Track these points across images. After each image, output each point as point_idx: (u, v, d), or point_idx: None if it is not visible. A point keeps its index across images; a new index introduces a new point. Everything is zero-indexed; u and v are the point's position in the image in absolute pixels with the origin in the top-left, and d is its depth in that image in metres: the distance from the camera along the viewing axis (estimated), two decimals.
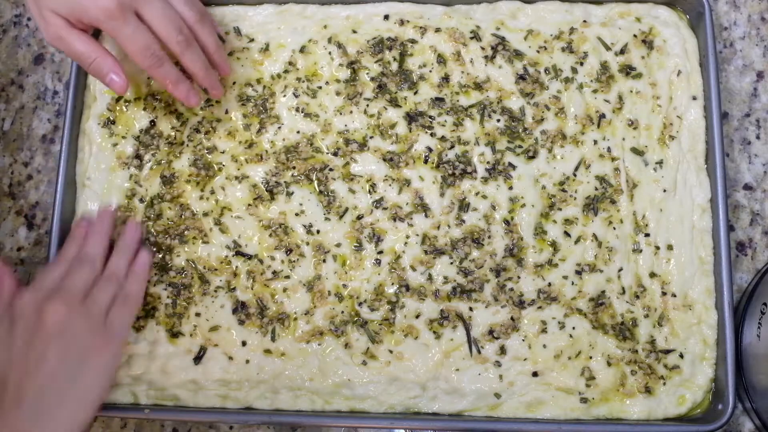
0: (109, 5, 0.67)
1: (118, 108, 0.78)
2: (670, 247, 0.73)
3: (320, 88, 0.78)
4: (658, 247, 0.73)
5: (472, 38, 0.78)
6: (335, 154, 0.76)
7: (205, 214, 0.75)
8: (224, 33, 0.79)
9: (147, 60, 0.69)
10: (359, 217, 0.74)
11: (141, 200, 0.76)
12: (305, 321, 0.72)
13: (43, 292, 0.67)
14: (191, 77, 0.74)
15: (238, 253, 0.74)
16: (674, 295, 0.72)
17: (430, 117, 0.76)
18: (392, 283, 0.73)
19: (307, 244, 0.74)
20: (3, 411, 0.61)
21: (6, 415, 0.61)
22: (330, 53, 0.78)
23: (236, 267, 0.74)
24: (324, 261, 0.73)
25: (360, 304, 0.72)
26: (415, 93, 0.77)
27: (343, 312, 0.72)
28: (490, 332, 0.71)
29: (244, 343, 0.72)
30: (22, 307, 0.65)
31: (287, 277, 0.73)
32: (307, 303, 0.73)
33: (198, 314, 0.73)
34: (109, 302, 0.69)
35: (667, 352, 0.71)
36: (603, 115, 0.76)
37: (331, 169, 0.75)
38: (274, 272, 0.73)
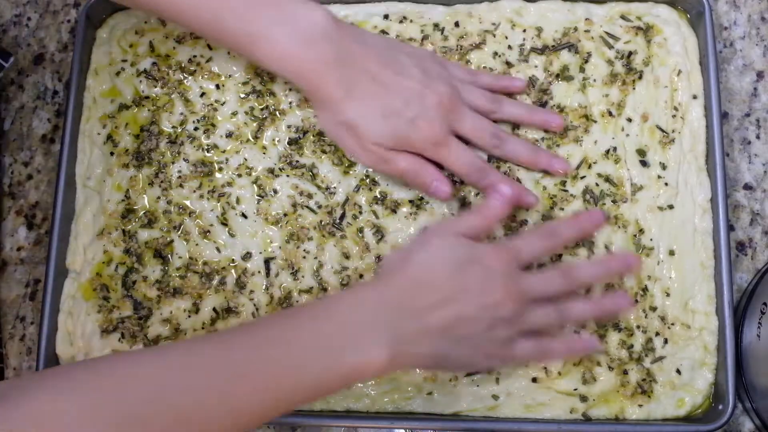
0: (434, 136, 0.68)
1: (117, 108, 0.78)
2: (671, 253, 0.72)
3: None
4: (659, 251, 0.73)
5: None
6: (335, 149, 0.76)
7: (207, 213, 0.75)
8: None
9: (473, 175, 0.70)
10: (358, 207, 0.75)
11: (141, 199, 0.76)
12: None
13: (513, 274, 0.63)
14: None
15: (245, 255, 0.74)
16: (674, 301, 0.72)
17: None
18: None
19: (310, 239, 0.74)
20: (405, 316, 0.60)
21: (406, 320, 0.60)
22: None
23: (244, 265, 0.74)
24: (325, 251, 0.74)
25: None
26: None
27: None
28: None
29: None
30: (496, 261, 0.63)
31: (298, 269, 0.74)
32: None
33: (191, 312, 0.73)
34: (539, 323, 0.65)
35: (667, 357, 0.71)
36: (604, 115, 0.76)
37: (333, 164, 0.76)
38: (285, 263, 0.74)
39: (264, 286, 0.74)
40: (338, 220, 0.75)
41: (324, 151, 0.76)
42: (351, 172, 0.76)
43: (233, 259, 0.74)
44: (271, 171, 0.76)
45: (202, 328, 0.73)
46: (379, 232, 0.74)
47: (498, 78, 0.76)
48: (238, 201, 0.76)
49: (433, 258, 0.63)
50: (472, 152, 0.71)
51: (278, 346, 0.58)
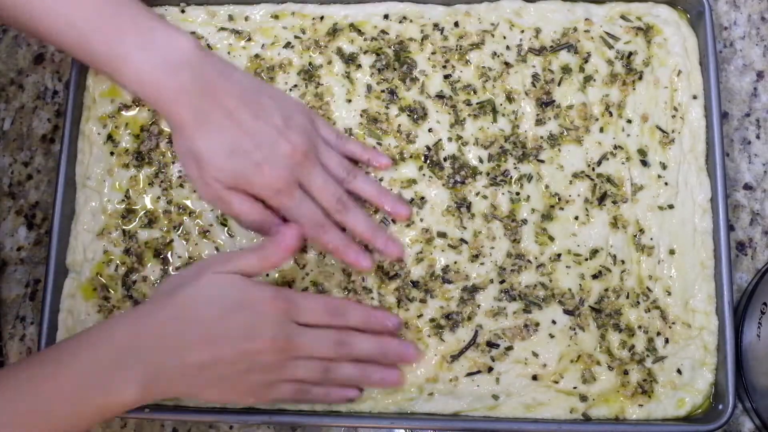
0: (277, 183, 0.65)
1: (117, 108, 0.78)
2: (672, 252, 0.73)
3: (320, 84, 0.78)
4: (660, 251, 0.73)
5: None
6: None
7: (207, 212, 0.75)
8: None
9: (313, 230, 0.68)
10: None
11: (141, 199, 0.76)
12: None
13: (285, 325, 0.63)
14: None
15: None
16: (675, 300, 0.72)
17: (431, 115, 0.76)
18: (394, 282, 0.73)
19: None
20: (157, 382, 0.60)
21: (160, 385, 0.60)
22: (331, 52, 0.78)
23: None
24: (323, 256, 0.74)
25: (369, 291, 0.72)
26: (421, 92, 0.77)
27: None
28: (492, 336, 0.71)
29: None
30: (266, 315, 0.63)
31: (302, 268, 0.74)
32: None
33: None
34: (302, 377, 0.65)
35: (667, 357, 0.71)
36: (605, 115, 0.76)
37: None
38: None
39: None
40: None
41: None
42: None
43: None
44: None
45: None
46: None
47: (365, 149, 0.74)
48: None
49: (201, 295, 0.62)
50: (315, 207, 0.68)
51: (26, 398, 0.58)
